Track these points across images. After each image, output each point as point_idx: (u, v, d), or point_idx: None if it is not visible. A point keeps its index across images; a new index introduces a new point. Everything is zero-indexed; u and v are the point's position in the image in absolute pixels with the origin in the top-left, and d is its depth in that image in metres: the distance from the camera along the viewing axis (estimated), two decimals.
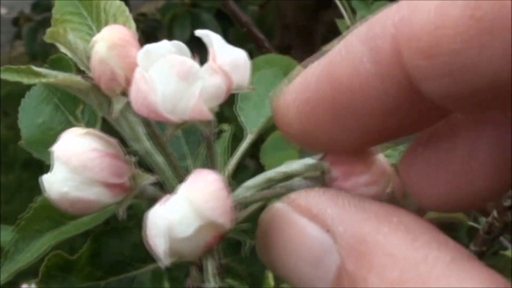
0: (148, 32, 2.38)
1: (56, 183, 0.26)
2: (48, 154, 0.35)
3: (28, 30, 2.32)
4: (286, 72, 0.59)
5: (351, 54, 0.22)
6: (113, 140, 0.27)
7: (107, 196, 0.26)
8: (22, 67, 0.28)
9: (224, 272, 0.31)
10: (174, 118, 0.25)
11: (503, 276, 0.20)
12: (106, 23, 0.33)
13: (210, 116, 0.25)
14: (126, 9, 0.33)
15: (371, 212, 0.22)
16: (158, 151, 0.30)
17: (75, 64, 0.31)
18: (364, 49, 0.21)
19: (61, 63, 0.36)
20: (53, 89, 0.38)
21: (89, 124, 0.36)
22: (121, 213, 0.27)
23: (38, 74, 0.27)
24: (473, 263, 0.20)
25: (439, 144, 0.24)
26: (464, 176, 0.24)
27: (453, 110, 0.22)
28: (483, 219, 0.75)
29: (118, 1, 0.33)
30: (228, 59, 0.25)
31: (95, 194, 0.26)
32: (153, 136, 0.30)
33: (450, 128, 0.24)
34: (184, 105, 0.24)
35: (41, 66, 0.30)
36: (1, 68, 0.28)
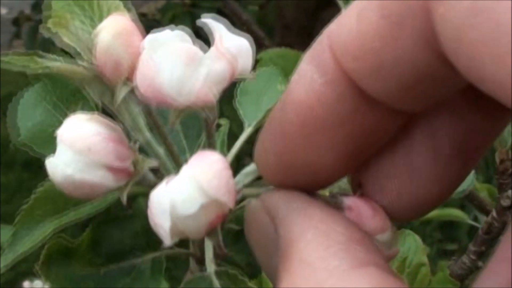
0: (148, 32, 2.38)
1: (60, 165, 0.26)
2: (49, 150, 0.35)
3: (27, 29, 2.33)
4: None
5: (303, 76, 0.23)
6: (117, 127, 0.28)
7: (111, 179, 0.27)
8: (26, 55, 0.28)
9: (222, 261, 0.31)
10: (179, 101, 0.25)
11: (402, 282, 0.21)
12: (100, 20, 0.33)
13: (213, 100, 0.25)
14: (121, 5, 0.33)
15: (309, 218, 0.23)
16: (158, 141, 0.30)
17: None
18: (312, 67, 0.23)
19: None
20: (51, 88, 0.38)
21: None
22: (124, 197, 0.27)
23: (40, 64, 0.28)
24: (368, 270, 0.21)
25: (393, 153, 0.26)
26: (418, 181, 0.25)
27: (398, 108, 0.23)
28: (483, 218, 0.75)
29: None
30: (233, 44, 0.25)
31: (99, 177, 0.26)
32: (154, 126, 0.30)
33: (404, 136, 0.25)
34: (189, 88, 0.25)
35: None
36: (5, 55, 0.28)
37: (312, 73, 0.23)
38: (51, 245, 0.32)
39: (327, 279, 0.21)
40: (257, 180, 0.30)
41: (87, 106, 0.35)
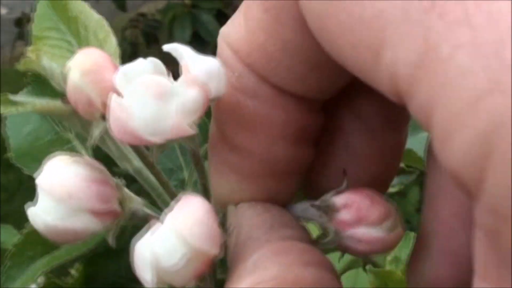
0: (148, 32, 2.38)
1: (41, 214, 0.25)
2: (36, 167, 0.34)
3: (29, 30, 2.33)
4: None
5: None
6: (99, 165, 0.27)
7: (95, 223, 0.26)
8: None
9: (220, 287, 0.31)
10: (156, 139, 0.24)
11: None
12: (86, 39, 0.32)
13: (191, 131, 0.24)
14: (106, 23, 0.32)
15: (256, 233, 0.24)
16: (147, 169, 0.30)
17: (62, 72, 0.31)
18: (223, 67, 0.24)
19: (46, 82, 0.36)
20: (39, 96, 0.37)
21: (78, 136, 0.35)
22: (111, 239, 0.27)
23: (15, 103, 0.27)
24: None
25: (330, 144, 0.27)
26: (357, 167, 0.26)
27: (308, 97, 0.24)
28: None
29: (97, 15, 0.33)
30: (202, 69, 0.24)
31: (82, 223, 0.25)
32: (139, 156, 0.29)
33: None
34: (163, 125, 0.23)
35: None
36: None
37: (225, 72, 0.24)
38: (44, 286, 0.32)
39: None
40: None
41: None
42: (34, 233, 0.31)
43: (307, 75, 0.23)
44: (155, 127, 0.24)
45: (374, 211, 0.25)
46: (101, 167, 0.27)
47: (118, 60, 0.31)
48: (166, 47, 0.25)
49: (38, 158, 0.35)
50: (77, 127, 0.29)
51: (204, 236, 0.23)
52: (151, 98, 0.23)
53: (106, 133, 0.27)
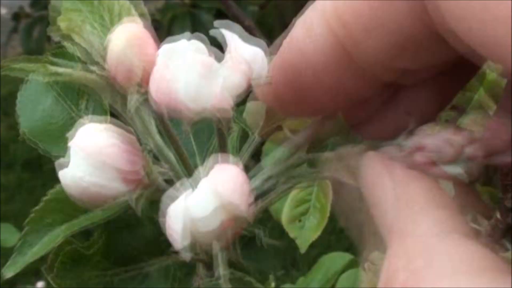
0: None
1: (73, 174, 0.26)
2: (53, 146, 0.34)
3: (24, 26, 2.32)
4: None
5: (295, 40, 0.25)
6: (131, 136, 0.28)
7: (123, 187, 0.27)
8: (38, 63, 0.28)
9: (231, 267, 0.31)
10: (194, 110, 0.25)
11: None
12: (111, 23, 0.32)
13: (229, 110, 0.25)
14: (132, 8, 0.32)
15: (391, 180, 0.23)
16: (168, 147, 0.30)
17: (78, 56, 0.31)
18: (304, 32, 0.24)
19: (65, 55, 0.36)
20: (52, 82, 0.37)
21: (93, 121, 0.35)
22: (139, 208, 0.27)
23: (52, 73, 0.27)
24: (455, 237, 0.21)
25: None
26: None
27: (383, 79, 0.24)
28: (484, 222, 0.75)
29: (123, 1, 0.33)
30: (247, 54, 0.25)
31: (111, 185, 0.26)
32: (166, 131, 0.30)
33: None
34: (205, 99, 0.25)
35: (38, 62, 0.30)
36: (16, 62, 0.28)
37: (304, 37, 0.24)
38: (65, 251, 0.32)
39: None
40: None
41: (95, 101, 0.35)
42: (54, 200, 0.32)
43: (398, 57, 0.23)
44: (197, 99, 0.25)
45: (449, 148, 0.25)
46: (131, 135, 0.28)
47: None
48: (213, 31, 0.26)
49: (53, 138, 0.35)
50: (107, 98, 0.29)
51: (236, 193, 0.24)
52: (196, 73, 0.24)
53: (137, 107, 0.28)
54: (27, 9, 2.43)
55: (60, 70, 0.28)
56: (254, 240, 0.30)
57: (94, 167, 0.26)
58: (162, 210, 0.25)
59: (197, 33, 0.26)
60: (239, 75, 0.25)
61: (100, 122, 0.27)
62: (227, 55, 0.25)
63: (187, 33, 0.26)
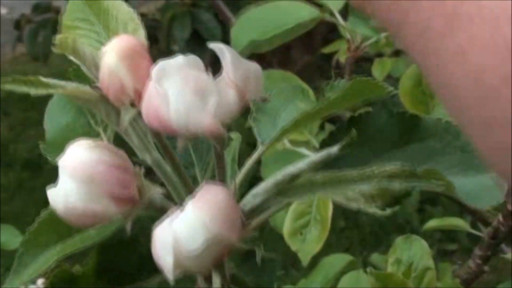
0: (148, 32, 2.37)
1: (62, 195, 0.26)
2: None
3: (28, 31, 2.32)
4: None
5: None
6: (121, 152, 0.27)
7: (114, 208, 0.26)
8: (31, 78, 0.27)
9: (231, 283, 0.31)
10: (185, 132, 0.25)
11: None
12: (116, 30, 0.32)
13: (223, 131, 0.25)
14: (136, 16, 0.32)
15: None
16: (166, 161, 0.30)
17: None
18: None
19: (80, 74, 0.36)
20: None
21: (105, 129, 0.35)
22: (128, 225, 0.27)
23: (46, 85, 0.27)
24: None
25: None
26: None
27: None
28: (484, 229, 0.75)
29: (127, 8, 0.33)
30: (241, 72, 0.25)
31: (102, 206, 0.26)
32: (162, 147, 0.30)
33: None
34: (197, 120, 0.24)
35: (42, 67, 0.30)
36: (9, 78, 0.28)
37: None
38: (56, 273, 0.31)
39: None
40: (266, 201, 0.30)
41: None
42: (48, 220, 0.31)
43: None
44: (189, 120, 0.24)
45: None
46: (122, 153, 0.27)
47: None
48: (212, 45, 0.25)
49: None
50: (101, 113, 0.29)
51: (225, 222, 0.24)
52: (190, 91, 0.24)
53: (132, 122, 0.28)
54: (27, 11, 2.43)
55: (52, 82, 0.27)
56: (252, 253, 0.29)
57: (81, 185, 0.25)
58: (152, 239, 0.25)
59: (191, 56, 0.25)
60: (234, 94, 0.24)
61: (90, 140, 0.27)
62: (223, 71, 0.25)
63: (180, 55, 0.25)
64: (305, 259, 0.74)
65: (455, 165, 0.32)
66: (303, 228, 0.76)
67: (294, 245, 0.75)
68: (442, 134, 0.33)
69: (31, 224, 0.32)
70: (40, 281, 1.56)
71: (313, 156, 0.29)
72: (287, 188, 0.29)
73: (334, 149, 0.29)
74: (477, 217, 0.69)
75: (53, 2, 2.35)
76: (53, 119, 0.36)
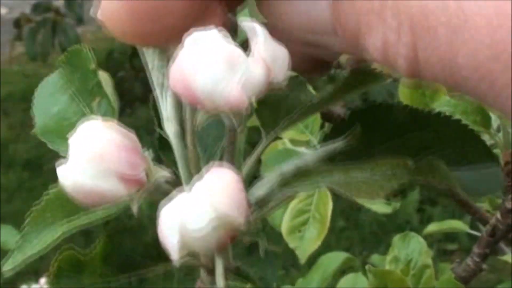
0: None
1: (71, 172, 0.26)
2: (63, 145, 0.34)
3: (28, 31, 2.32)
4: None
5: None
6: (131, 135, 0.27)
7: (122, 188, 0.26)
8: None
9: (234, 274, 0.31)
10: (209, 102, 0.25)
11: None
12: None
13: (246, 104, 0.24)
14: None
15: None
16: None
17: (92, 58, 0.31)
18: None
19: (80, 55, 0.36)
20: (70, 78, 0.37)
21: (106, 117, 0.35)
22: (135, 207, 0.27)
23: None
24: None
25: None
26: None
27: None
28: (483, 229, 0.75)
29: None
30: (270, 53, 0.25)
31: (110, 186, 0.26)
32: (189, 118, 0.30)
33: None
34: (223, 91, 0.24)
35: (41, 67, 0.30)
36: None
37: None
38: (62, 257, 0.31)
39: None
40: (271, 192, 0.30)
41: (106, 102, 0.35)
42: (55, 198, 0.32)
43: None
44: (214, 90, 0.24)
45: None
46: (132, 135, 0.27)
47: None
48: (244, 23, 0.25)
49: (63, 135, 0.35)
50: (152, 53, 0.29)
51: (232, 204, 0.24)
52: (220, 61, 0.24)
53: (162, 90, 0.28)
54: (27, 11, 2.43)
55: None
56: (256, 246, 0.29)
57: (91, 165, 0.25)
58: (158, 219, 0.25)
59: (222, 29, 0.25)
60: (262, 72, 0.24)
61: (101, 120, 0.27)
62: (254, 48, 0.25)
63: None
64: (303, 257, 0.75)
65: (448, 156, 0.32)
66: (302, 226, 0.76)
67: (292, 243, 0.75)
68: (438, 126, 0.33)
69: None
70: (43, 281, 1.56)
71: (318, 150, 0.29)
72: (291, 180, 0.29)
73: (340, 143, 0.29)
74: (476, 217, 0.69)
75: (53, 2, 2.35)
76: (43, 106, 0.37)
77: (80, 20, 2.62)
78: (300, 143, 0.74)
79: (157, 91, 0.30)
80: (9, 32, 2.51)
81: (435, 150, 0.33)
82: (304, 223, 0.75)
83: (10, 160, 2.45)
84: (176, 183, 0.30)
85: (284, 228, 0.74)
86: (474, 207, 0.67)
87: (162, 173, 0.28)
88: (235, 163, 0.30)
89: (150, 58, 0.30)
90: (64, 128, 0.35)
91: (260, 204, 0.29)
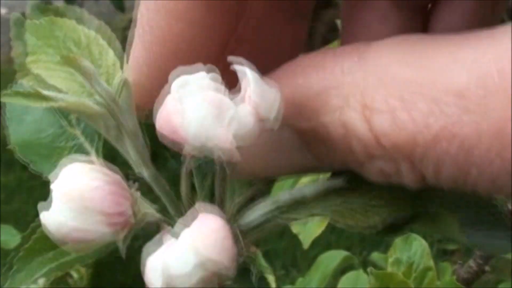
0: None
1: (54, 219, 0.25)
2: (44, 165, 0.33)
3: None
4: None
5: None
6: (115, 175, 0.27)
7: (109, 233, 0.26)
8: (31, 91, 0.27)
9: None
10: (199, 148, 0.24)
11: None
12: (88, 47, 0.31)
13: (238, 157, 0.24)
14: (99, 38, 0.31)
15: None
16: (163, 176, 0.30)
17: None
18: None
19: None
20: (41, 86, 0.35)
21: (86, 133, 0.33)
22: (122, 248, 0.27)
23: (47, 99, 0.27)
24: None
25: None
26: None
27: None
28: None
29: (87, 31, 0.31)
30: (265, 101, 0.24)
31: (96, 232, 0.26)
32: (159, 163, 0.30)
33: None
34: (213, 142, 0.24)
35: None
36: (8, 91, 0.28)
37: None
38: (51, 282, 0.31)
39: None
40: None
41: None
42: (43, 238, 0.31)
43: None
44: (205, 142, 0.24)
45: None
46: (116, 176, 0.27)
47: (119, 69, 0.30)
48: (236, 67, 0.25)
49: (43, 153, 0.34)
50: (100, 127, 0.29)
51: (216, 248, 0.23)
52: (209, 114, 0.23)
53: (130, 136, 0.28)
54: (27, 10, 2.43)
55: (53, 95, 0.27)
56: (249, 269, 0.29)
57: (76, 211, 0.25)
58: (142, 262, 0.24)
59: (213, 74, 0.25)
60: (252, 119, 0.24)
61: (84, 161, 0.27)
62: (243, 93, 0.24)
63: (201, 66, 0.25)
64: (306, 242, 0.74)
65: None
66: None
67: (295, 228, 0.75)
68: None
69: (30, 224, 0.31)
70: (41, 281, 1.57)
71: (318, 184, 0.29)
72: (286, 209, 0.29)
73: (340, 181, 0.28)
74: None
75: (53, 2, 2.35)
76: (15, 114, 0.35)
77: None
78: None
79: (113, 143, 0.29)
80: (9, 32, 2.51)
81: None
82: None
83: (10, 160, 2.44)
84: (164, 218, 0.30)
85: None
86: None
87: (149, 210, 0.28)
88: (225, 206, 0.29)
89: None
90: (41, 141, 0.34)
91: (252, 230, 0.29)
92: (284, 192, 0.29)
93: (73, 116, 0.34)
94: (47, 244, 0.30)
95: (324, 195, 0.28)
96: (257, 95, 0.24)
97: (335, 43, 1.26)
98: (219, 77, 0.24)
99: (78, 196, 0.25)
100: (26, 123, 0.35)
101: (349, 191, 0.28)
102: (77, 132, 0.33)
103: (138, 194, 0.27)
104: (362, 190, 0.28)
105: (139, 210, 0.27)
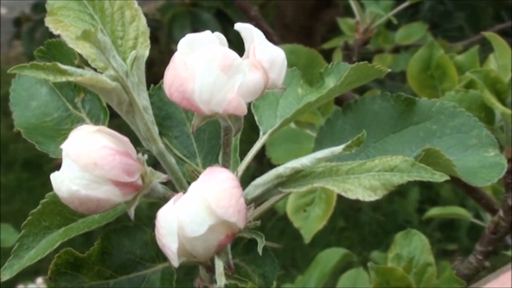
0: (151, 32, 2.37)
1: (66, 181, 0.25)
2: (50, 145, 0.34)
3: (26, 30, 2.32)
4: (309, 64, 0.58)
5: None
6: (124, 138, 0.27)
7: (118, 194, 0.26)
8: (48, 64, 0.27)
9: (234, 272, 0.31)
10: (206, 109, 0.24)
11: None
12: (111, 15, 0.32)
13: (245, 109, 0.24)
14: (135, 2, 0.32)
15: None
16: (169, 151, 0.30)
17: (76, 53, 0.31)
18: None
19: (61, 49, 0.35)
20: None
21: (91, 115, 0.34)
22: (131, 212, 0.27)
23: (64, 72, 0.27)
24: None
25: None
26: None
27: None
28: (486, 215, 0.75)
29: None
30: (268, 56, 0.25)
31: (105, 193, 0.26)
32: (166, 137, 0.30)
33: None
34: (221, 97, 0.24)
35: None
36: (27, 64, 0.28)
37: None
38: (60, 256, 0.31)
39: None
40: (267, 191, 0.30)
41: (97, 103, 0.35)
42: (52, 203, 0.31)
43: None
44: (212, 97, 0.24)
45: None
46: (125, 139, 0.27)
47: (147, 39, 0.31)
48: (239, 26, 0.25)
49: (49, 135, 0.34)
50: (113, 102, 0.29)
51: (232, 208, 0.24)
52: (217, 68, 0.24)
53: (139, 113, 0.28)
54: (27, 11, 2.43)
55: (70, 69, 0.27)
56: (255, 243, 0.29)
57: (85, 171, 0.25)
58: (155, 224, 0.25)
59: (217, 33, 0.25)
60: (259, 76, 0.24)
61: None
62: (250, 51, 0.25)
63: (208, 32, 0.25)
64: (307, 236, 0.74)
65: (452, 146, 0.32)
66: (307, 206, 0.76)
67: (297, 222, 0.75)
68: (437, 115, 0.33)
69: None
70: (39, 280, 1.56)
71: (316, 154, 0.29)
72: (287, 180, 0.29)
73: (338, 148, 0.29)
74: (482, 203, 0.69)
75: None
76: (21, 100, 0.36)
77: None
78: (305, 125, 0.74)
79: (124, 117, 0.29)
80: (9, 32, 2.51)
81: (435, 141, 0.32)
82: (310, 203, 0.74)
83: (10, 160, 2.44)
84: (173, 185, 0.30)
85: (289, 208, 0.74)
86: (480, 193, 0.67)
87: (158, 176, 0.28)
88: (232, 163, 0.29)
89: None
90: (47, 124, 0.35)
91: (256, 203, 0.29)
92: (283, 165, 0.29)
93: (78, 98, 0.34)
94: (55, 209, 0.31)
95: (323, 167, 0.28)
96: (263, 51, 0.24)
97: (336, 39, 1.26)
98: (225, 40, 0.25)
99: (88, 156, 0.25)
100: (31, 108, 0.36)
101: (349, 164, 0.28)
102: (83, 114, 0.34)
103: (146, 159, 0.27)
104: (362, 163, 0.28)
105: (147, 175, 0.27)
